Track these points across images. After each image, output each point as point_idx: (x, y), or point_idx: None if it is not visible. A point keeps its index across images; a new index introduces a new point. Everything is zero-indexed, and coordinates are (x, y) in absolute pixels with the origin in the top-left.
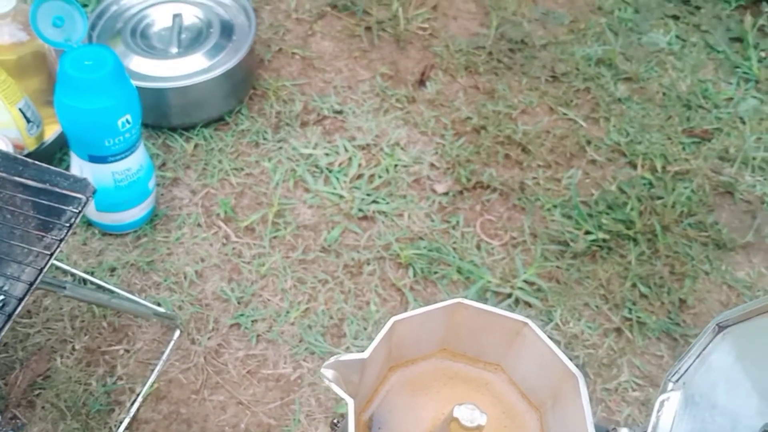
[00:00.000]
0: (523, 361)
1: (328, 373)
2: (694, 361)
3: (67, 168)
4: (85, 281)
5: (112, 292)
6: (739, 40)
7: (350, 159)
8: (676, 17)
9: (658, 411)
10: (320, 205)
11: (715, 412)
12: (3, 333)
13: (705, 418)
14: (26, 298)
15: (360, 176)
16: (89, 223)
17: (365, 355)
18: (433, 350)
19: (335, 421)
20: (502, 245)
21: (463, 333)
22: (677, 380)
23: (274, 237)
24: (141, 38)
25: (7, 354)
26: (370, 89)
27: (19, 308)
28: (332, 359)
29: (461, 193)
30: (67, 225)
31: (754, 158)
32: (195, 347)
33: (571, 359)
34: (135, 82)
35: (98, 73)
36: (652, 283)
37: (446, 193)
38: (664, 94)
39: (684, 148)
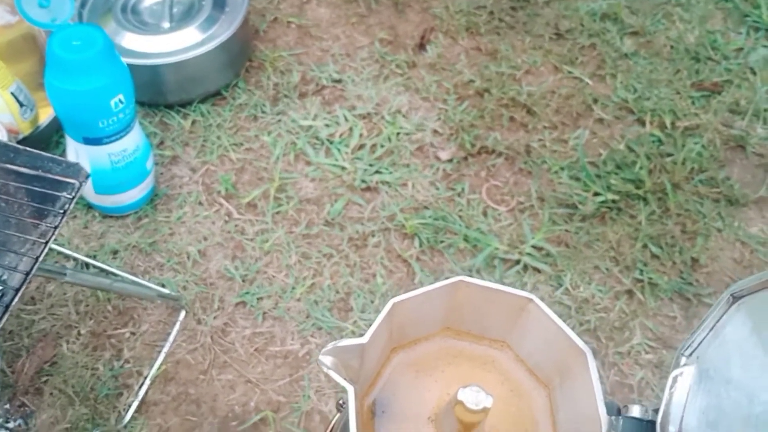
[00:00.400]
0: (529, 337)
1: (326, 360)
2: (708, 333)
3: (64, 151)
4: (87, 265)
5: (115, 275)
6: None
7: (351, 129)
8: None
9: (671, 387)
10: (322, 177)
11: (729, 387)
12: (2, 324)
13: (720, 393)
14: (23, 289)
15: (361, 146)
16: (89, 206)
17: (364, 339)
18: (436, 329)
19: (341, 401)
20: (509, 211)
21: (466, 311)
22: (690, 354)
23: (277, 212)
24: (132, 14)
25: (13, 341)
26: (368, 56)
27: (16, 299)
28: (330, 345)
29: (465, 159)
30: (62, 212)
31: (765, 110)
32: (201, 327)
33: (582, 324)
34: (128, 60)
35: (87, 52)
36: (664, 243)
37: (450, 160)
38: (671, 47)
39: (693, 103)
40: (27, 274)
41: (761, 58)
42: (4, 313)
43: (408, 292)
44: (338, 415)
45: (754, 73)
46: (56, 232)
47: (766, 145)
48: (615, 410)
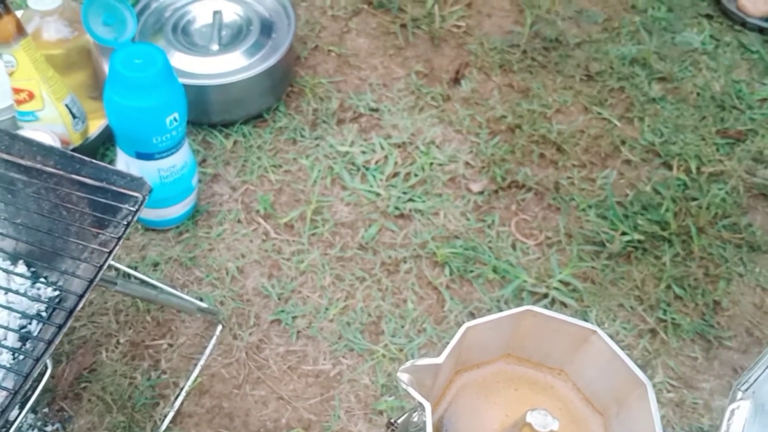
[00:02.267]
0: (588, 367)
1: (404, 377)
2: (765, 370)
3: (111, 163)
4: (129, 276)
5: (155, 287)
6: None
7: (386, 157)
8: (709, 16)
9: (729, 419)
10: (357, 202)
11: None
12: (65, 329)
13: None
14: (87, 295)
15: (396, 174)
16: None
17: (440, 360)
18: (499, 355)
19: (392, 420)
20: (537, 245)
21: (529, 339)
22: (746, 389)
23: (313, 234)
24: (182, 35)
25: (55, 348)
26: (405, 87)
27: (80, 304)
28: (408, 363)
29: (496, 192)
30: (124, 223)
31: None
32: (237, 342)
33: None
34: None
35: (148, 71)
36: (687, 285)
37: (481, 192)
38: (698, 94)
39: (718, 149)
40: (90, 281)
41: None
42: (68, 318)
43: (479, 318)
44: None
45: None
46: (120, 242)
47: None
48: None
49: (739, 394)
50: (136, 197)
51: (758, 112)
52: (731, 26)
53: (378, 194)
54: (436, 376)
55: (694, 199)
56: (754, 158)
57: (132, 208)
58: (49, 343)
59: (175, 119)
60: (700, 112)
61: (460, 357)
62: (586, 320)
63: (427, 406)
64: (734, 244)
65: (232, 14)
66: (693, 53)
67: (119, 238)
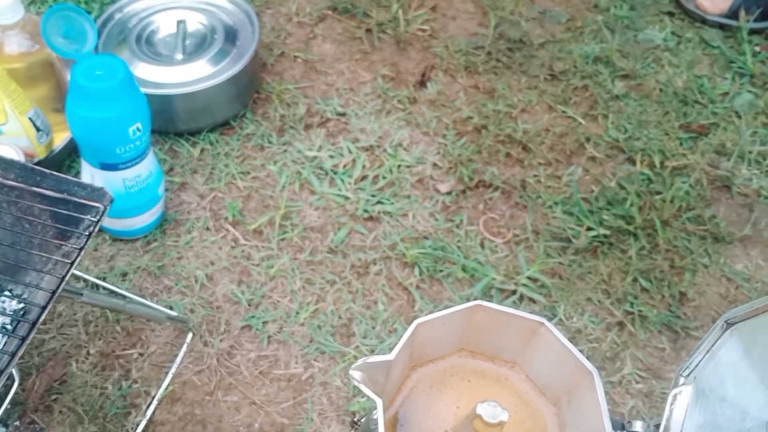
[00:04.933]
0: (540, 358)
1: (356, 374)
2: (704, 356)
3: (76, 175)
4: (97, 287)
5: (124, 297)
6: (733, 35)
7: (354, 160)
8: (671, 13)
9: (671, 404)
10: (326, 206)
11: (724, 405)
12: (28, 341)
13: (715, 410)
14: (49, 306)
15: (364, 177)
16: (100, 229)
17: (391, 356)
18: (453, 349)
19: (355, 419)
20: (505, 243)
21: (481, 333)
22: (688, 375)
23: (282, 239)
24: (146, 45)
25: (24, 360)
26: (371, 91)
27: (43, 316)
28: (360, 361)
29: (464, 192)
30: (86, 234)
31: (750, 152)
32: (208, 349)
33: None
34: (142, 89)
35: (109, 82)
36: (653, 277)
37: (449, 193)
38: (660, 90)
39: (681, 144)
40: (53, 292)
41: (746, 103)
42: (30, 330)
43: (430, 314)
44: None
45: (739, 117)
46: (82, 253)
47: (751, 186)
48: (619, 426)
49: (681, 380)
50: (98, 207)
51: (720, 106)
52: (692, 23)
53: (347, 198)
54: (388, 372)
55: (659, 193)
56: (717, 151)
57: (93, 219)
58: (13, 355)
59: (138, 129)
60: (663, 107)
61: (413, 353)
62: (554, 315)
63: (379, 402)
64: (699, 235)
65: (195, 23)
66: (655, 50)
67: (81, 249)
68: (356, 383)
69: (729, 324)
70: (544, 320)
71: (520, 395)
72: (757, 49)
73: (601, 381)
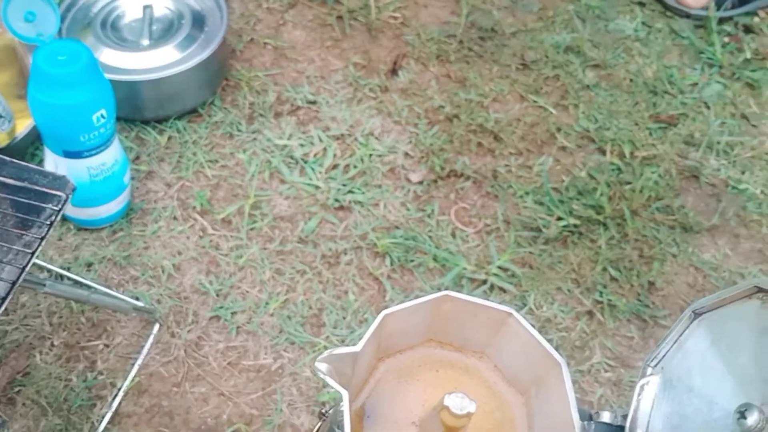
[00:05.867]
0: (508, 349)
1: (322, 366)
2: (672, 346)
3: (40, 163)
4: (62, 277)
5: (89, 287)
6: (703, 26)
7: (325, 149)
8: (641, 3)
9: (639, 394)
10: (296, 196)
11: (692, 395)
12: None
13: (683, 400)
14: (9, 297)
15: (335, 166)
16: (65, 219)
17: (357, 348)
18: (421, 340)
19: (323, 411)
20: (476, 232)
21: (449, 323)
22: (656, 365)
23: (251, 229)
24: (111, 30)
25: None
26: (343, 79)
27: (2, 307)
28: (326, 353)
29: (435, 181)
30: (48, 223)
31: (718, 142)
32: (175, 340)
33: None
34: (107, 75)
35: (72, 68)
36: (622, 267)
37: (421, 182)
38: (631, 80)
39: (651, 134)
40: (13, 283)
41: (715, 93)
42: None
43: (397, 305)
44: (320, 423)
45: (708, 107)
46: (43, 243)
47: (719, 176)
48: (587, 416)
49: (649, 370)
50: (60, 196)
51: (689, 97)
52: (663, 13)
53: (317, 187)
54: (354, 364)
55: (628, 183)
56: (686, 141)
57: (55, 208)
58: None
59: (102, 116)
60: (633, 97)
61: (381, 344)
62: (524, 305)
63: (345, 393)
64: (667, 225)
65: (162, 8)
66: (626, 40)
67: (42, 239)
68: (322, 375)
69: (696, 314)
70: (512, 310)
71: (489, 386)
72: (726, 39)
73: (569, 371)
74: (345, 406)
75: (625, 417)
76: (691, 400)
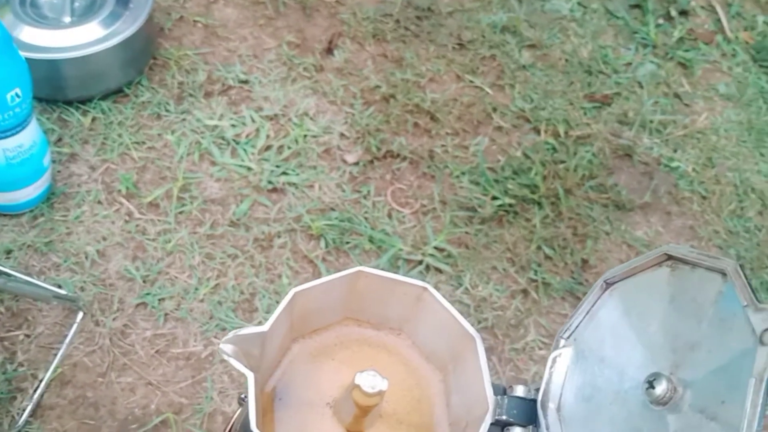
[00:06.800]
0: (425, 325)
1: (227, 347)
2: (584, 317)
3: None
4: None
5: (8, 275)
6: (637, 6)
7: (258, 130)
8: None
9: (551, 367)
10: (228, 178)
11: (603, 366)
12: None
13: (594, 371)
14: None
15: (268, 147)
16: None
17: (265, 328)
18: (337, 319)
19: (242, 396)
20: (412, 213)
21: (366, 300)
22: (569, 337)
23: (180, 212)
24: (31, 7)
25: None
26: (276, 58)
27: None
28: (231, 334)
29: (371, 162)
30: None
31: (651, 121)
32: (99, 329)
33: (480, 321)
34: (26, 54)
35: None
36: (556, 245)
37: (357, 163)
38: (566, 60)
39: (585, 113)
40: None
41: (648, 73)
42: None
43: (309, 282)
44: (240, 409)
45: (641, 87)
46: None
47: (651, 155)
48: (501, 391)
49: (561, 342)
50: None
51: (623, 76)
52: None
53: (250, 168)
54: (263, 345)
55: (562, 162)
56: (619, 121)
57: None
58: None
59: (17, 95)
60: (569, 77)
61: (294, 324)
62: (460, 284)
63: (250, 375)
64: (601, 204)
65: None
66: (561, 20)
67: None
68: (226, 357)
69: (608, 284)
70: (427, 285)
71: (407, 363)
72: (660, 20)
73: (483, 346)
74: (250, 388)
75: (538, 390)
76: (603, 371)
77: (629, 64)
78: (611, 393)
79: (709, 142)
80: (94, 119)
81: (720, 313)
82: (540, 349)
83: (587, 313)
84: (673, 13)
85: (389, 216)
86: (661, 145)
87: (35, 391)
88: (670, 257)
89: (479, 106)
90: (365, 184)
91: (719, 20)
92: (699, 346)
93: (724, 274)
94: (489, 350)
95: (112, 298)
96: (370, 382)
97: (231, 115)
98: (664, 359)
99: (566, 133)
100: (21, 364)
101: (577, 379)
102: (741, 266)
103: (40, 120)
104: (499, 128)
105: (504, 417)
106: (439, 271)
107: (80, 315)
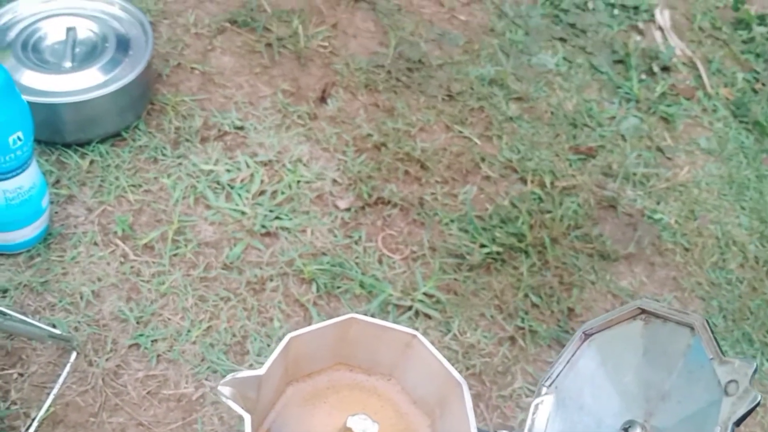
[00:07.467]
0: (413, 371)
1: (225, 390)
2: (564, 366)
3: None
4: None
5: (3, 314)
6: (621, 61)
7: (252, 175)
8: (563, 39)
9: (533, 413)
10: (222, 221)
11: (582, 413)
12: None
13: (574, 418)
14: None
15: (262, 192)
16: None
17: (261, 371)
18: (330, 363)
19: None
20: (402, 259)
21: (357, 346)
22: (550, 384)
23: (174, 255)
24: (33, 52)
25: None
26: (271, 105)
27: None
28: (229, 377)
29: (363, 208)
30: None
31: (634, 174)
32: (92, 369)
33: (468, 368)
34: (27, 98)
35: None
36: (543, 293)
37: (348, 209)
38: (552, 113)
39: (570, 165)
40: None
41: (631, 127)
42: None
43: (303, 328)
44: None
45: (625, 140)
46: None
47: (635, 206)
48: None
49: (544, 389)
50: None
51: (607, 129)
52: (583, 48)
53: (243, 213)
54: (260, 388)
55: (549, 212)
56: (604, 172)
57: None
58: None
59: (19, 138)
60: (554, 129)
61: (288, 367)
62: (449, 330)
63: (247, 417)
64: (586, 253)
65: (86, 30)
66: (547, 74)
67: None
68: (224, 399)
69: (587, 335)
70: (416, 332)
71: (396, 408)
72: (643, 76)
73: (469, 392)
74: (247, 430)
75: None
76: (582, 417)
77: (613, 117)
78: None
79: (691, 195)
80: (92, 162)
81: (689, 365)
82: (527, 396)
83: (567, 362)
84: (656, 68)
85: (380, 261)
86: (645, 197)
87: (27, 429)
88: (643, 311)
89: (468, 155)
90: (356, 229)
91: (700, 76)
92: (670, 396)
93: (692, 328)
94: (476, 397)
95: (106, 339)
96: (361, 425)
97: (226, 160)
98: (638, 408)
99: (552, 183)
100: (14, 402)
101: (558, 426)
102: (707, 321)
103: (39, 162)
104: (487, 178)
105: None
106: (428, 317)
107: (74, 355)
